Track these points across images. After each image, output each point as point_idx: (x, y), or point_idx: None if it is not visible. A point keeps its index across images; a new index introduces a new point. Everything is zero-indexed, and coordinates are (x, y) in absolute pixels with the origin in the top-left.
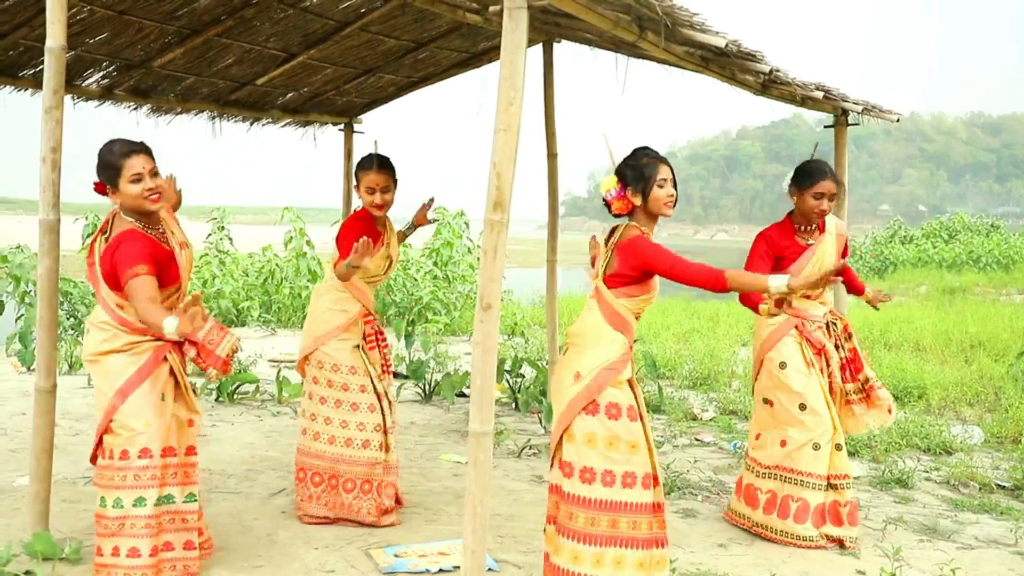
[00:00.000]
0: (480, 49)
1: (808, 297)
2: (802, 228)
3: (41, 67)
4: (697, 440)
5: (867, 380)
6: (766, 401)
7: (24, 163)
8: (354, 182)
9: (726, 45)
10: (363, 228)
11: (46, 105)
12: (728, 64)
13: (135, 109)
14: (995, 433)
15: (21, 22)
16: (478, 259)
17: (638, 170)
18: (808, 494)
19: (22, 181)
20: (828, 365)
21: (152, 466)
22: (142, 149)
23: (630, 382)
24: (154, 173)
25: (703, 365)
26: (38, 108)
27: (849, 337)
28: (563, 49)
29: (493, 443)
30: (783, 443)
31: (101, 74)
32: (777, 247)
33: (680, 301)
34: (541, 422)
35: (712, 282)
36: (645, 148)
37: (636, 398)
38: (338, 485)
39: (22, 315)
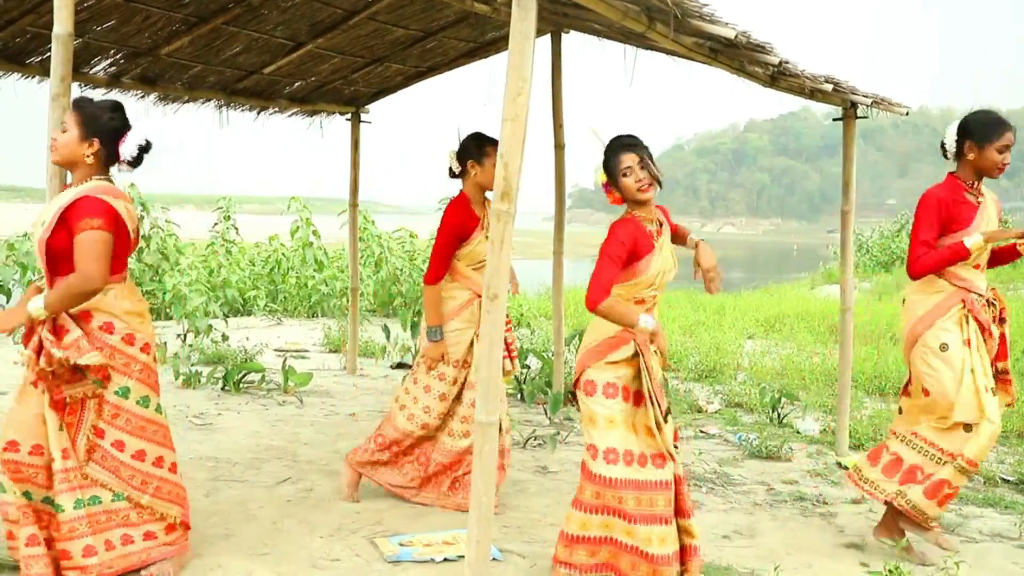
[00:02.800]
0: (488, 39)
1: (976, 267)
2: (973, 185)
3: (48, 54)
4: (702, 432)
5: (1005, 371)
6: (922, 388)
7: (30, 151)
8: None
9: (735, 36)
10: (463, 213)
11: (53, 92)
12: (737, 56)
13: (142, 97)
14: (1001, 427)
15: (28, 8)
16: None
17: (607, 164)
18: (942, 471)
19: (28, 169)
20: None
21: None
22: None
23: (636, 364)
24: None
25: (709, 357)
26: (45, 95)
27: (1003, 321)
28: (571, 40)
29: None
30: (940, 420)
31: (108, 62)
32: (948, 210)
33: (685, 293)
34: (546, 413)
35: (588, 301)
36: (615, 139)
37: (632, 378)
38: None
39: None
